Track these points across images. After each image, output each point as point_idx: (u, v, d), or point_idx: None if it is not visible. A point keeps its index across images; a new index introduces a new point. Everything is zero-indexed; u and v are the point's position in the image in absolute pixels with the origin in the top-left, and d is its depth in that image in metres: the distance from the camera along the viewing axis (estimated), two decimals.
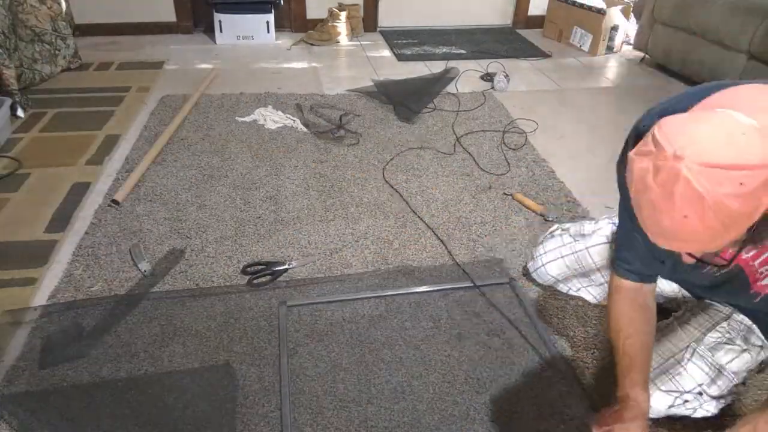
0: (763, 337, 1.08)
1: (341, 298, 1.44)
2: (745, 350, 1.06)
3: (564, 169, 2.08)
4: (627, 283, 1.10)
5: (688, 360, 1.07)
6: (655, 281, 1.12)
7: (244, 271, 1.52)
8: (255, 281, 1.48)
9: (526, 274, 1.52)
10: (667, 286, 1.29)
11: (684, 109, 0.78)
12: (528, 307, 1.42)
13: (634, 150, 0.74)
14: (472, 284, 1.49)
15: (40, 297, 1.42)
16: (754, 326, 1.08)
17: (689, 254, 0.78)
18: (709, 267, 0.89)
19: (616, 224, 1.35)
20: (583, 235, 1.39)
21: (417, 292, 1.47)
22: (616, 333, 1.07)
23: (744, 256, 0.89)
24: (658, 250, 0.84)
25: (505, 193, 1.88)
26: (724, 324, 1.09)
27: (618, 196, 1.02)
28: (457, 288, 1.49)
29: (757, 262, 0.91)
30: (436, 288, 1.48)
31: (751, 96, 0.73)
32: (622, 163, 0.93)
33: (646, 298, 1.10)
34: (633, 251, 1.06)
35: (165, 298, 1.42)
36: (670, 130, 0.69)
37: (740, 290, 0.96)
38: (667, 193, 0.68)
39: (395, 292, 1.46)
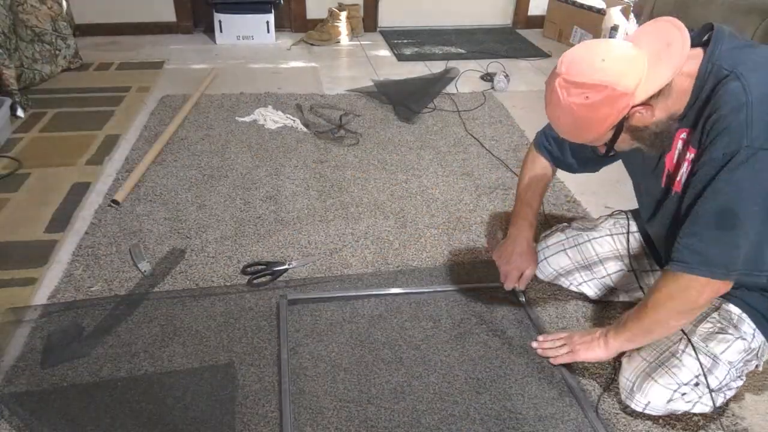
0: (754, 326, 1.08)
1: (343, 295, 1.44)
2: (737, 338, 1.06)
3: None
4: (542, 160, 1.39)
5: (683, 351, 1.07)
6: (560, 168, 1.40)
7: (244, 271, 1.52)
8: (255, 281, 1.48)
9: None
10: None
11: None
12: (531, 306, 1.42)
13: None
14: (473, 286, 1.49)
15: (40, 297, 1.42)
16: (744, 315, 1.09)
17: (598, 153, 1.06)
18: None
19: (617, 218, 1.37)
20: (585, 229, 1.40)
21: (418, 293, 1.47)
22: (523, 190, 1.41)
23: (674, 159, 1.05)
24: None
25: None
26: (715, 314, 1.10)
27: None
28: (458, 290, 1.49)
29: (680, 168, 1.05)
30: (438, 289, 1.49)
31: (652, 29, 0.95)
32: None
33: (549, 171, 1.41)
34: (554, 132, 1.23)
35: (165, 298, 1.42)
36: (568, 53, 0.97)
37: (671, 205, 1.07)
38: (549, 98, 0.98)
39: (397, 291, 1.46)
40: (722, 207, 0.91)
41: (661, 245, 1.22)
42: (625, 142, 1.00)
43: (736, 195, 0.89)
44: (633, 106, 0.92)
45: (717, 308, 1.11)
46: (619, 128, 0.95)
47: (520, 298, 1.43)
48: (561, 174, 2.03)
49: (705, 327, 1.09)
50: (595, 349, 1.15)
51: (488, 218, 1.79)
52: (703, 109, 0.94)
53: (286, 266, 1.54)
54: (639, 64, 0.91)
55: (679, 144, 1.03)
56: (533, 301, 1.45)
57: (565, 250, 1.40)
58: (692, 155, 0.99)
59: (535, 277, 1.48)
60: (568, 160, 1.35)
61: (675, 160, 1.05)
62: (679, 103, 0.97)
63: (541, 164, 1.40)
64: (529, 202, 1.40)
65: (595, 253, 1.37)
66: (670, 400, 1.07)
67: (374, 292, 1.46)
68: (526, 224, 1.39)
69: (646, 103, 0.93)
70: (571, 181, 1.99)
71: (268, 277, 1.50)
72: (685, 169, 1.01)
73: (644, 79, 0.90)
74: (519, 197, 1.43)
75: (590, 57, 0.93)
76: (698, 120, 0.96)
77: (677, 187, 1.04)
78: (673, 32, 0.92)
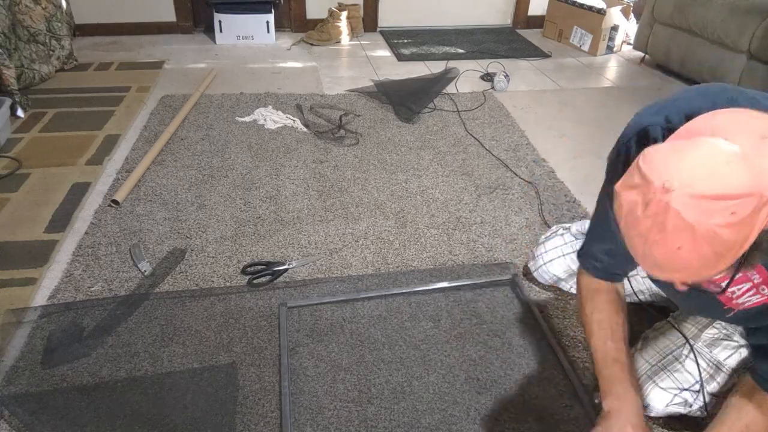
0: None
1: (341, 299, 1.44)
2: (742, 346, 1.06)
3: (564, 169, 2.08)
4: (602, 285, 1.11)
5: (686, 357, 1.07)
6: (621, 280, 1.13)
7: (244, 271, 1.52)
8: (255, 281, 1.48)
9: (527, 274, 1.52)
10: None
11: (687, 110, 0.80)
12: (531, 306, 1.42)
13: (619, 183, 0.73)
14: (473, 282, 1.49)
15: (40, 297, 1.42)
16: None
17: (683, 282, 0.76)
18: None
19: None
20: (584, 233, 1.39)
21: (417, 291, 1.47)
22: (599, 342, 1.07)
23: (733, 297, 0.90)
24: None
25: None
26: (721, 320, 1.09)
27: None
28: (459, 286, 1.49)
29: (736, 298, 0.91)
30: (437, 286, 1.48)
31: (730, 120, 0.73)
32: (617, 159, 0.95)
33: (617, 294, 1.11)
34: (605, 244, 1.07)
35: (165, 298, 1.42)
36: (654, 161, 0.69)
37: (714, 306, 0.95)
38: (658, 225, 0.68)
39: (396, 291, 1.46)
40: None
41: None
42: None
43: None
44: None
45: None
46: (755, 246, 0.70)
47: None
48: (561, 174, 2.04)
49: (710, 332, 1.08)
50: None
51: (489, 218, 1.78)
52: None
53: (286, 266, 1.54)
54: (757, 163, 0.68)
55: (743, 283, 0.88)
56: (533, 301, 1.45)
57: (564, 255, 1.40)
58: (759, 279, 0.85)
59: (535, 281, 1.48)
60: (625, 267, 1.12)
61: (732, 295, 0.91)
62: None
63: (605, 293, 1.12)
64: (615, 357, 1.06)
65: None
66: (669, 404, 1.07)
67: (373, 294, 1.46)
68: (626, 389, 1.03)
69: None
70: (571, 182, 1.99)
71: (268, 277, 1.50)
72: (752, 297, 0.88)
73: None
74: (598, 353, 1.08)
75: (709, 160, 0.68)
76: None
77: (735, 305, 0.92)
78: (754, 122, 0.73)
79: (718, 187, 0.66)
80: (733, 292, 0.90)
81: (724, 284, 0.76)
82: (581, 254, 1.16)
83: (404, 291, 1.47)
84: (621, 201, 0.73)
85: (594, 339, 1.09)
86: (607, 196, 1.02)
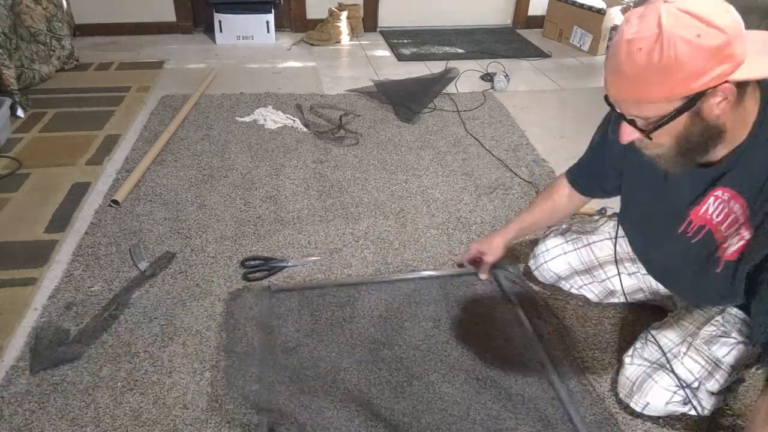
0: None
1: (325, 284, 1.48)
2: (740, 342, 1.06)
3: (564, 169, 2.07)
4: (567, 187, 1.37)
5: (684, 354, 1.07)
6: (582, 191, 1.35)
7: (243, 264, 1.53)
8: (250, 275, 1.49)
9: (527, 273, 1.52)
10: (663, 287, 1.29)
11: None
12: (518, 308, 1.42)
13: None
14: (472, 272, 1.52)
15: (40, 297, 1.42)
16: (748, 318, 1.07)
17: (623, 120, 0.89)
18: (682, 229, 1.02)
19: (616, 220, 1.36)
20: (585, 232, 1.39)
21: (418, 278, 1.51)
22: (532, 205, 1.43)
23: (714, 219, 0.97)
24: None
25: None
26: (719, 318, 1.09)
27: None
28: (458, 275, 1.50)
29: (723, 226, 0.96)
30: (437, 274, 1.53)
31: (759, 34, 0.82)
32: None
33: (569, 201, 1.38)
34: (589, 169, 1.29)
35: (165, 297, 1.43)
36: None
37: (705, 258, 1.00)
38: (638, 25, 0.77)
39: (396, 278, 1.51)
40: None
41: (664, 276, 1.21)
42: (668, 131, 0.84)
43: None
44: (725, 81, 0.77)
45: (722, 312, 1.10)
46: (689, 104, 0.78)
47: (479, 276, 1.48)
48: (561, 173, 2.04)
49: (708, 330, 1.09)
50: None
51: (489, 218, 1.78)
52: (762, 188, 0.86)
53: (284, 264, 1.54)
54: (747, 42, 0.78)
55: (712, 200, 0.96)
56: (533, 309, 1.45)
57: (565, 254, 1.40)
58: (748, 234, 0.90)
59: (535, 280, 1.49)
60: (602, 186, 1.30)
61: (705, 215, 0.98)
62: (733, 131, 0.86)
63: (560, 192, 1.40)
64: (521, 216, 1.44)
65: (594, 257, 1.36)
66: (669, 402, 1.07)
67: (358, 281, 1.50)
68: (507, 228, 1.44)
69: (734, 86, 0.78)
70: None
71: (264, 273, 1.50)
72: (737, 243, 0.93)
73: (748, 62, 0.77)
74: (522, 212, 1.46)
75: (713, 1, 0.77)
76: (755, 198, 0.88)
77: (723, 254, 0.96)
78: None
79: (701, 11, 0.75)
80: (726, 237, 0.95)
81: (650, 122, 0.84)
82: (572, 169, 1.38)
83: (394, 279, 1.51)
84: (625, 15, 0.82)
85: (531, 208, 1.44)
86: (598, 132, 1.25)
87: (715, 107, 0.80)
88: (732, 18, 0.77)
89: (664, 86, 0.77)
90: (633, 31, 0.78)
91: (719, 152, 0.91)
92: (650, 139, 0.86)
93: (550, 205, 1.40)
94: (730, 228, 0.95)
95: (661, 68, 0.75)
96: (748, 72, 0.77)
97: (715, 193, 0.95)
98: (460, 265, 1.53)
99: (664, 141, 0.87)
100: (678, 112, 0.80)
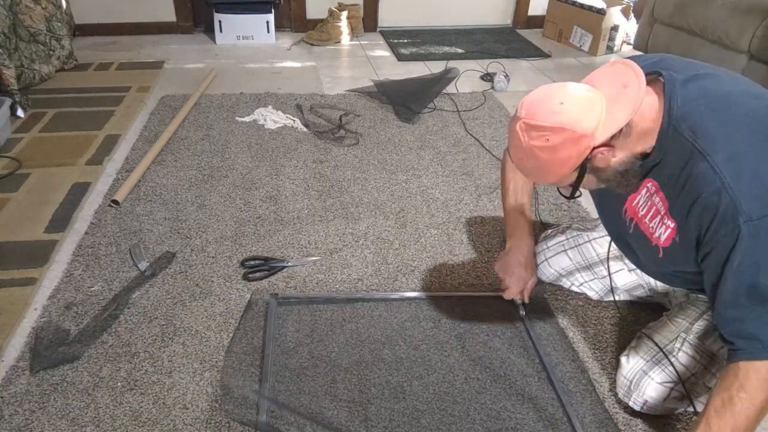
0: None
1: (332, 296, 1.44)
2: None
3: None
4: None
5: (679, 349, 1.08)
6: None
7: (242, 264, 1.53)
8: (250, 275, 1.49)
9: None
10: (661, 284, 1.29)
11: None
12: (527, 322, 1.42)
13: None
14: (472, 294, 1.49)
15: (40, 297, 1.42)
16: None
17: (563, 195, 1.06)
18: (622, 221, 1.14)
19: None
20: (585, 230, 1.40)
21: (414, 298, 1.47)
22: (510, 198, 1.42)
23: (639, 213, 1.08)
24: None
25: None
26: (711, 312, 1.09)
27: None
28: (456, 297, 1.49)
29: (647, 219, 1.06)
30: (435, 294, 1.49)
31: (611, 70, 0.96)
32: None
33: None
34: None
35: (165, 297, 1.42)
36: (528, 97, 1.00)
37: (646, 246, 1.09)
38: (513, 141, 0.99)
39: (393, 296, 1.46)
40: (748, 285, 0.88)
41: (645, 270, 1.27)
42: (591, 183, 1.02)
43: (755, 270, 0.87)
44: (594, 148, 0.93)
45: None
46: (582, 169, 0.96)
47: (521, 312, 1.38)
48: None
49: (700, 324, 1.09)
50: None
51: (489, 218, 1.79)
52: (676, 182, 0.95)
53: (284, 264, 1.54)
54: (597, 106, 0.91)
55: (644, 192, 1.05)
56: (533, 309, 1.45)
57: (565, 250, 1.40)
58: (672, 224, 0.99)
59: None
60: None
61: (636, 205, 1.08)
62: (641, 143, 0.97)
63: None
64: (520, 210, 1.41)
65: (595, 254, 1.37)
66: (667, 399, 1.07)
67: (364, 296, 1.45)
68: (524, 233, 1.39)
69: (607, 144, 0.93)
70: None
71: (264, 273, 1.50)
72: (665, 232, 1.02)
73: (603, 121, 0.91)
74: (508, 207, 1.43)
75: (549, 100, 0.94)
76: (672, 193, 0.97)
77: (657, 241, 1.05)
78: (629, 74, 0.93)
79: (542, 120, 0.93)
80: (652, 228, 1.05)
81: (568, 193, 1.02)
82: None
83: (399, 296, 1.46)
84: (509, 128, 1.01)
85: (508, 195, 1.42)
86: None
87: (606, 158, 0.95)
88: (567, 106, 0.92)
89: (552, 176, 0.98)
90: (513, 145, 1.00)
91: (648, 144, 0.98)
92: (579, 196, 1.04)
93: (525, 181, 1.42)
94: (653, 219, 1.04)
95: (539, 167, 0.97)
96: (604, 133, 0.92)
97: (647, 185, 1.04)
98: (510, 300, 1.40)
99: (592, 186, 1.04)
100: (578, 178, 0.98)
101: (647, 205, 1.05)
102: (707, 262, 0.94)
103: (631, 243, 1.16)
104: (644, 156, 0.98)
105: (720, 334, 0.95)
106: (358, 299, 1.44)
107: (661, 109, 0.94)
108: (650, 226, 1.06)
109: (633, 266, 1.34)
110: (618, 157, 0.96)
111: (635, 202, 1.08)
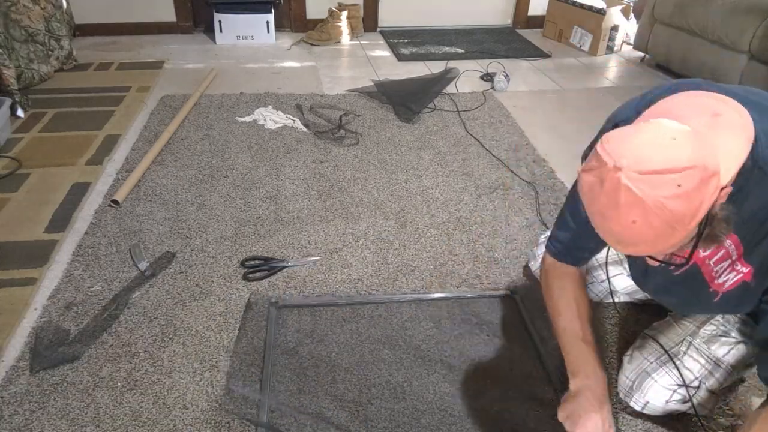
0: None
1: (331, 302, 1.43)
2: (740, 342, 1.06)
3: (564, 169, 2.08)
4: (566, 269, 1.16)
5: (684, 353, 1.07)
6: (583, 262, 1.18)
7: (242, 264, 1.53)
8: (250, 275, 1.49)
9: (528, 273, 1.52)
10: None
11: (646, 105, 0.85)
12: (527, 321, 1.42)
13: (581, 167, 0.78)
14: (472, 295, 1.49)
15: (40, 297, 1.42)
16: (748, 318, 1.07)
17: (650, 257, 0.82)
18: (666, 265, 0.91)
19: None
20: None
21: (413, 300, 1.46)
22: (567, 322, 1.12)
23: (701, 254, 0.93)
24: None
25: None
26: (719, 317, 1.09)
27: None
28: (458, 297, 1.49)
29: (712, 261, 0.93)
30: (437, 296, 1.48)
31: (686, 101, 0.80)
32: (589, 151, 0.94)
33: (580, 278, 1.17)
34: (568, 231, 1.12)
35: (165, 297, 1.42)
36: (610, 144, 0.74)
37: (699, 290, 0.97)
38: (612, 202, 0.73)
39: (393, 299, 1.46)
40: None
41: (662, 298, 1.16)
42: (707, 242, 0.80)
43: None
44: (722, 188, 0.74)
45: None
46: (706, 221, 0.75)
47: None
48: (561, 174, 2.04)
49: (708, 329, 1.09)
50: None
51: (489, 218, 1.79)
52: (759, 221, 0.83)
53: (284, 264, 1.54)
54: (708, 139, 0.74)
55: None
56: (533, 309, 1.45)
57: None
58: (745, 269, 0.89)
59: (536, 280, 1.48)
60: (587, 245, 1.14)
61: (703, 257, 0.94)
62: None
63: (570, 276, 1.16)
64: (583, 337, 1.09)
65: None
66: (669, 401, 1.07)
67: (367, 300, 1.44)
68: (593, 366, 1.07)
69: (725, 186, 0.75)
70: (571, 182, 1.98)
71: (265, 272, 1.50)
72: (727, 271, 0.92)
73: (723, 156, 0.74)
74: (566, 332, 1.11)
75: (655, 139, 0.73)
76: (749, 230, 0.85)
77: (718, 287, 0.95)
78: (709, 102, 0.79)
79: (663, 163, 0.70)
80: (716, 272, 0.92)
81: (686, 256, 0.79)
82: (547, 240, 1.20)
83: (399, 299, 1.45)
84: (582, 182, 0.78)
85: (561, 318, 1.12)
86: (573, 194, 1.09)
87: (721, 202, 0.77)
88: (685, 143, 0.71)
89: (679, 235, 0.74)
90: (610, 207, 0.74)
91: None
92: (685, 265, 0.83)
93: (577, 292, 1.15)
94: (720, 263, 0.92)
95: (665, 229, 0.73)
96: (729, 167, 0.75)
97: None
98: None
99: (708, 246, 0.85)
100: (699, 235, 0.77)
101: (711, 248, 0.91)
102: None
103: (670, 285, 1.04)
104: None
105: (761, 375, 0.90)
106: (356, 303, 1.43)
107: (744, 149, 0.78)
108: (715, 270, 0.93)
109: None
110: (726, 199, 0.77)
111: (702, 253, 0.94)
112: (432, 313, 1.41)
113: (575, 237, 1.12)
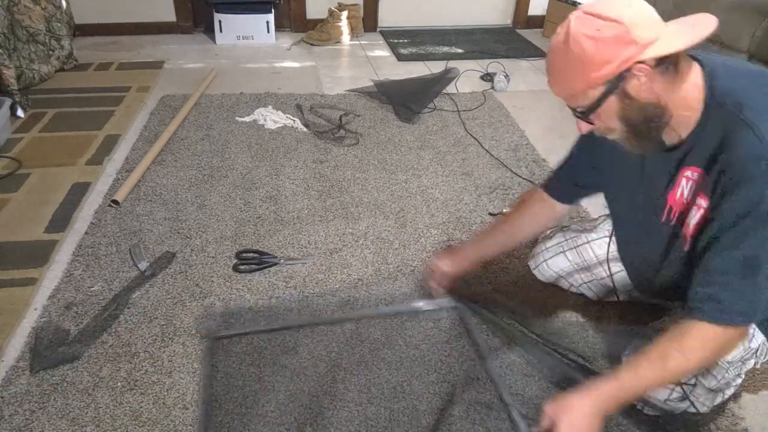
0: (754, 325, 1.08)
1: (273, 327, 1.34)
2: None
3: None
4: (540, 194, 1.29)
5: None
6: (563, 205, 1.29)
7: (237, 256, 1.55)
8: (241, 267, 1.51)
9: (528, 272, 1.52)
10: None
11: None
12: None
13: None
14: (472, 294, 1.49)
15: (40, 297, 1.42)
16: None
17: (576, 117, 0.96)
18: (656, 217, 1.05)
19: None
20: (584, 230, 1.40)
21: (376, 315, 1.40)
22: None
23: (677, 195, 1.01)
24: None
25: (491, 213, 1.81)
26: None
27: None
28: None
29: (685, 197, 1.00)
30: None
31: (692, 18, 0.91)
32: None
33: (541, 210, 1.30)
34: (569, 173, 1.25)
35: (165, 297, 1.43)
36: None
37: (673, 238, 1.04)
38: (556, 37, 0.91)
39: (360, 314, 1.40)
40: (747, 257, 0.88)
41: (645, 276, 1.21)
42: (608, 115, 0.92)
43: (761, 244, 0.87)
44: (637, 62, 0.85)
45: None
46: (612, 86, 0.87)
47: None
48: None
49: None
50: (574, 410, 0.92)
51: (488, 218, 1.79)
52: (715, 155, 0.91)
53: (276, 261, 1.54)
54: (660, 25, 0.87)
55: (684, 182, 0.99)
56: (535, 309, 1.44)
57: (564, 252, 1.40)
58: (705, 203, 0.95)
59: (534, 278, 1.48)
60: (579, 175, 1.25)
61: (681, 197, 1.01)
62: (683, 109, 0.92)
63: (533, 203, 1.31)
64: (486, 233, 1.37)
65: (594, 255, 1.37)
66: (667, 399, 1.07)
67: (344, 317, 1.38)
68: (468, 248, 1.36)
69: (649, 66, 0.86)
70: None
71: (254, 266, 1.52)
72: (696, 214, 0.97)
73: (659, 39, 0.85)
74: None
75: (621, 1, 0.87)
76: (710, 166, 0.92)
77: (687, 230, 1.00)
78: (701, 19, 0.89)
79: (601, 10, 0.85)
80: (685, 216, 1.00)
81: (585, 109, 0.92)
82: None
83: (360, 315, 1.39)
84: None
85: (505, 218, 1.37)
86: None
87: (641, 87, 0.88)
88: (633, 9, 0.85)
89: (581, 77, 0.88)
90: (554, 40, 0.91)
91: (683, 132, 0.95)
92: (592, 123, 0.95)
93: (514, 221, 1.33)
94: (689, 206, 0.99)
95: (574, 63, 0.87)
96: (656, 50, 0.85)
97: (685, 174, 0.98)
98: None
99: (611, 124, 0.94)
100: (604, 95, 0.89)
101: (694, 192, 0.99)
102: (712, 228, 0.92)
103: (657, 247, 1.10)
104: (685, 146, 0.95)
105: (692, 289, 0.94)
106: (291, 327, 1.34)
107: (704, 90, 0.91)
108: (689, 216, 1.00)
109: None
110: (652, 94, 0.89)
111: (678, 194, 1.01)
112: (432, 312, 1.40)
113: (569, 167, 1.25)
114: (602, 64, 0.85)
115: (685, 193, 1.00)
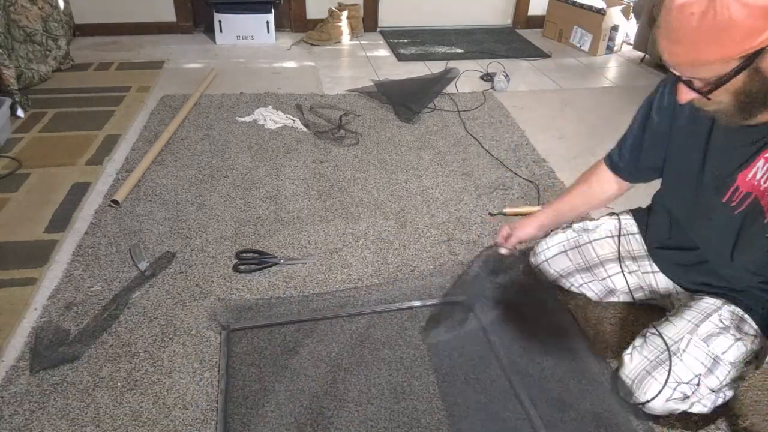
0: (756, 326, 1.08)
1: (290, 320, 1.36)
2: (739, 339, 1.06)
3: (564, 169, 2.08)
4: (605, 172, 1.31)
5: (683, 350, 1.07)
6: (625, 184, 1.30)
7: (237, 256, 1.55)
8: (241, 267, 1.51)
9: (529, 271, 1.52)
10: (662, 283, 1.29)
11: None
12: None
13: None
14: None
15: (40, 297, 1.42)
16: (746, 315, 1.09)
17: (680, 81, 0.87)
18: (727, 200, 0.99)
19: (619, 218, 1.37)
20: (586, 230, 1.40)
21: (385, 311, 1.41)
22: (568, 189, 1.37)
23: (763, 185, 0.95)
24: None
25: (490, 213, 1.81)
26: (716, 315, 1.09)
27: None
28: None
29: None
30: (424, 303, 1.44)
31: None
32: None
33: (605, 188, 1.32)
34: (632, 150, 1.23)
35: (165, 297, 1.43)
36: None
37: (752, 228, 0.98)
38: None
39: (364, 311, 1.41)
40: None
41: (710, 256, 1.17)
42: (726, 89, 0.83)
43: None
44: None
45: (719, 309, 1.11)
46: (746, 63, 0.78)
47: (500, 249, 1.37)
48: (561, 173, 2.04)
49: (706, 327, 1.09)
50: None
51: (488, 218, 1.79)
52: None
53: (276, 261, 1.54)
54: None
55: (762, 163, 0.94)
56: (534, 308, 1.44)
57: (565, 251, 1.40)
58: None
59: (536, 278, 1.48)
60: (643, 167, 1.25)
61: (752, 179, 0.95)
62: None
63: (598, 177, 1.32)
64: (557, 199, 1.38)
65: (595, 255, 1.37)
66: (669, 399, 1.07)
67: (331, 315, 1.38)
68: (542, 211, 1.38)
69: None
70: (571, 182, 1.98)
71: (254, 266, 1.52)
72: None
73: None
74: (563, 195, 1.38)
75: None
76: None
77: None
78: None
79: None
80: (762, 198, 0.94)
81: (707, 82, 0.83)
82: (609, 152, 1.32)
83: (371, 310, 1.40)
84: None
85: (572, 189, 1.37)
86: (642, 107, 1.20)
87: None
88: None
89: (719, 48, 0.77)
90: None
91: None
92: (708, 99, 0.86)
93: (587, 189, 1.34)
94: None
95: (715, 30, 0.76)
96: None
97: (766, 155, 0.93)
98: (494, 245, 1.40)
99: (723, 98, 0.86)
100: (736, 72, 0.79)
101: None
102: None
103: (724, 225, 1.04)
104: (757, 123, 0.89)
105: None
106: (324, 318, 1.37)
107: None
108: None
109: (634, 268, 1.34)
110: None
111: (750, 175, 0.95)
112: (432, 312, 1.41)
113: (632, 143, 1.22)
114: (748, 36, 0.75)
115: (759, 175, 0.94)
